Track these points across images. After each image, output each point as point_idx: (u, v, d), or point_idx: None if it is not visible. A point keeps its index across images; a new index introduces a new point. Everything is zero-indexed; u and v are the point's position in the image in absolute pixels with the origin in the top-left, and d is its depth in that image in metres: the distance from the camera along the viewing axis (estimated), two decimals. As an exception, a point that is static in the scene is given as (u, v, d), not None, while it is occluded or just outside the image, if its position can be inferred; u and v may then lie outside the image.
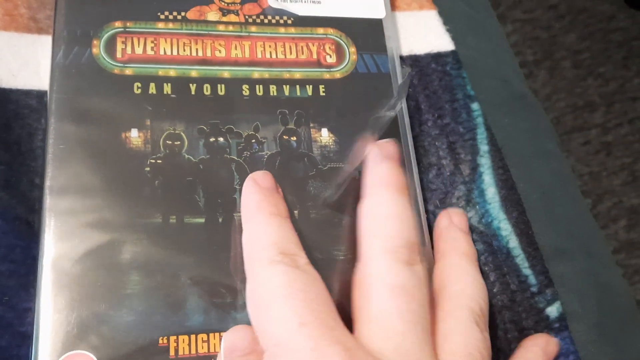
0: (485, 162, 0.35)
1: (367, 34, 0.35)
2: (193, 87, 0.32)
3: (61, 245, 0.28)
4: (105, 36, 0.32)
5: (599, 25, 1.22)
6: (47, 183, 0.28)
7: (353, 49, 0.35)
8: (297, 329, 0.24)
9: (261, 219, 0.28)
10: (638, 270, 1.12)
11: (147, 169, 0.30)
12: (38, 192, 0.29)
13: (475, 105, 0.37)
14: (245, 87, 0.32)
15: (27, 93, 0.32)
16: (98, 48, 0.31)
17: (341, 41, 0.35)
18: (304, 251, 0.27)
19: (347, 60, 0.34)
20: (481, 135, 0.36)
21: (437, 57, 0.38)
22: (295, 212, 0.30)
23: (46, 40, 0.33)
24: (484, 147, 0.36)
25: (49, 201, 0.28)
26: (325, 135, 0.32)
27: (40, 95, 0.32)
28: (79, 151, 0.29)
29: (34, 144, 0.31)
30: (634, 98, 1.18)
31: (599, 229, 0.38)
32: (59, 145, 0.29)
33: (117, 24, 0.32)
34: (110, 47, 0.31)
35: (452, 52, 0.37)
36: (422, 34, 0.38)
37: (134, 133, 0.30)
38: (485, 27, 0.41)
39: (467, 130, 0.36)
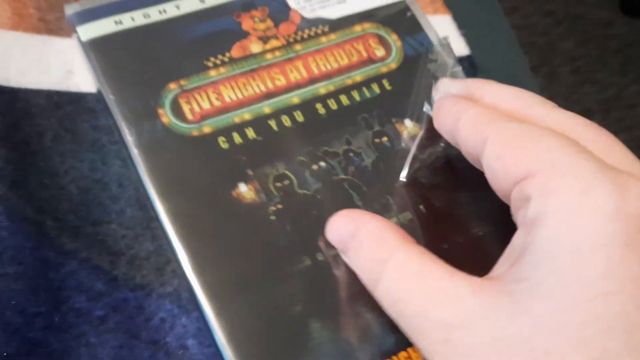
0: None
1: (399, 19, 0.35)
2: (273, 123, 0.30)
3: (230, 316, 0.26)
4: (167, 102, 0.30)
5: (596, 32, 1.20)
6: (188, 266, 0.27)
7: (394, 36, 0.34)
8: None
9: None
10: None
11: (272, 217, 0.28)
12: (47, 193, 0.28)
13: None
14: (318, 105, 0.31)
15: (37, 92, 0.30)
16: (167, 116, 0.29)
17: (381, 32, 0.34)
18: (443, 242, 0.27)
19: (394, 49, 0.34)
20: None
21: None
22: (421, 207, 0.30)
23: (55, 42, 0.32)
24: None
25: (197, 281, 0.26)
26: (410, 126, 0.32)
27: (50, 94, 0.30)
28: (201, 225, 0.28)
29: (43, 143, 0.29)
30: (630, 105, 1.15)
31: None
32: (180, 227, 0.27)
33: (172, 86, 0.30)
34: (177, 110, 0.30)
35: (468, 57, 0.38)
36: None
37: (242, 188, 0.29)
38: (498, 31, 0.41)
39: None
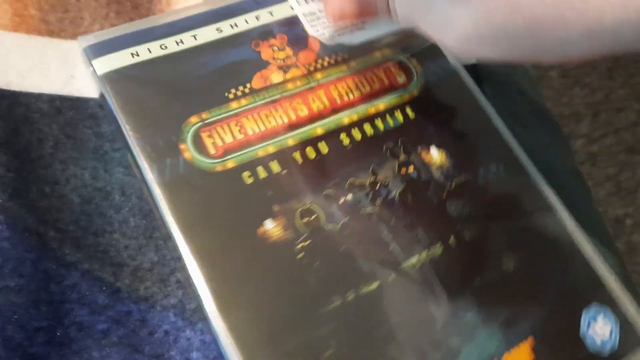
0: None
1: (418, 44, 0.34)
2: (298, 156, 0.30)
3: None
4: (189, 136, 0.29)
5: None
6: (213, 310, 0.26)
7: (415, 62, 0.34)
8: None
9: None
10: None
11: (300, 255, 0.27)
12: (48, 202, 0.27)
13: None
14: (342, 135, 0.31)
15: (38, 96, 0.30)
16: (189, 151, 0.28)
17: (401, 58, 0.34)
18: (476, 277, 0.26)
19: (415, 76, 0.33)
20: None
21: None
22: (450, 240, 0.29)
23: (57, 44, 0.31)
24: None
25: (222, 325, 0.25)
26: (435, 155, 0.31)
27: (51, 99, 0.30)
28: (227, 266, 0.27)
29: (44, 150, 0.29)
30: (618, 109, 1.16)
31: (619, 254, 0.38)
32: (205, 268, 0.26)
33: (193, 119, 0.29)
34: (199, 145, 0.29)
35: (473, 65, 0.37)
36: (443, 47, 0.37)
37: (269, 225, 0.28)
38: None
39: None
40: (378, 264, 0.28)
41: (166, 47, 0.30)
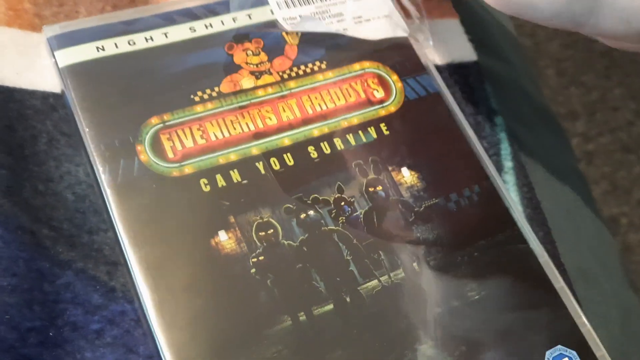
0: (509, 179, 0.34)
1: (400, 57, 0.33)
2: (260, 166, 0.28)
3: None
4: (147, 138, 0.27)
5: (582, 35, 1.32)
6: (155, 323, 0.24)
7: (395, 77, 0.32)
8: None
9: None
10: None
11: (253, 270, 0.26)
12: (42, 199, 0.27)
13: (499, 120, 0.35)
14: (310, 149, 0.29)
15: (32, 93, 0.29)
16: (145, 153, 0.27)
17: (381, 72, 0.32)
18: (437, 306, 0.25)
19: (394, 91, 0.32)
20: (505, 150, 0.35)
21: (459, 67, 0.36)
22: (414, 264, 0.28)
23: None
24: (507, 164, 0.34)
25: (163, 339, 0.24)
26: (407, 175, 0.30)
27: (45, 96, 0.29)
28: (174, 277, 0.25)
29: (38, 147, 0.28)
30: (614, 108, 1.17)
31: (619, 251, 0.38)
32: (150, 278, 0.25)
33: (154, 120, 0.28)
34: (157, 148, 0.27)
35: (475, 62, 0.36)
36: (444, 43, 0.36)
37: (222, 236, 0.26)
38: (505, 35, 0.40)
39: (491, 146, 0.34)
40: (335, 284, 0.27)
41: (134, 43, 0.29)
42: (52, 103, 0.29)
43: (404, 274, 0.28)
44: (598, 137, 1.15)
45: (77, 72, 0.28)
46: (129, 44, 0.29)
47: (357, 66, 0.32)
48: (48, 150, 0.28)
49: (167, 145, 0.28)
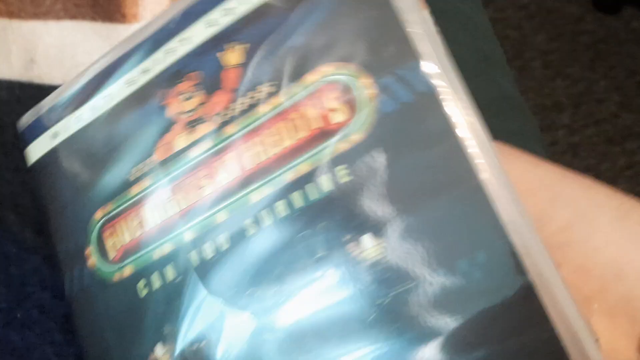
0: None
1: (376, 40, 0.21)
2: (194, 257, 0.24)
3: None
4: (93, 238, 0.26)
5: (568, 27, 1.21)
6: None
7: (365, 81, 0.21)
8: None
9: None
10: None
11: None
12: (9, 187, 0.27)
13: None
14: (247, 222, 0.23)
15: None
16: (92, 257, 0.26)
17: (343, 77, 0.22)
18: None
19: (361, 105, 0.21)
20: None
21: None
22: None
23: (17, 26, 0.29)
24: None
25: None
26: (369, 245, 0.21)
27: (11, 86, 0.28)
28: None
29: (5, 138, 0.28)
30: (599, 100, 1.17)
31: None
32: None
33: (98, 214, 0.26)
34: (102, 248, 0.25)
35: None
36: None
37: (159, 351, 0.24)
38: (476, 24, 0.37)
39: None
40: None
41: (81, 117, 0.27)
42: (18, 95, 0.28)
43: None
44: (583, 129, 1.16)
45: (38, 171, 0.27)
46: (78, 120, 0.27)
47: (312, 77, 0.22)
48: (15, 142, 0.28)
49: (109, 243, 0.25)
